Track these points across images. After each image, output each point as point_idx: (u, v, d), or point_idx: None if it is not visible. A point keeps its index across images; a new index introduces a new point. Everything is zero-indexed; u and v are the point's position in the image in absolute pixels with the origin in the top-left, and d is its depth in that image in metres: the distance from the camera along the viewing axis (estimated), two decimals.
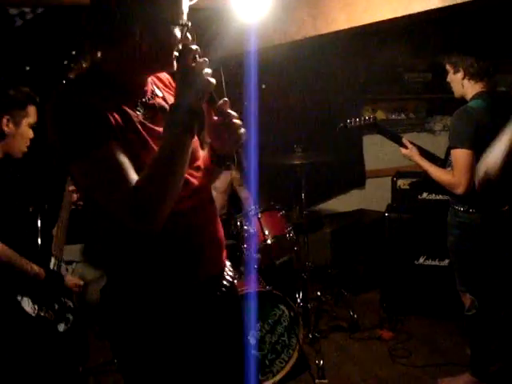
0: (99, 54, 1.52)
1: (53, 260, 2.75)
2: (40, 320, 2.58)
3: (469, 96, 2.97)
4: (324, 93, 4.97)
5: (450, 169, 2.95)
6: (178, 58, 1.49)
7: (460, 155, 2.79)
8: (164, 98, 1.64)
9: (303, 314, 3.70)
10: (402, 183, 4.18)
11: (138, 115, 1.51)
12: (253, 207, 3.50)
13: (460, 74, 2.95)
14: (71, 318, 2.76)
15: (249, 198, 3.91)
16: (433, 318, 4.01)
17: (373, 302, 4.31)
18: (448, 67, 3.04)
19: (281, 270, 3.74)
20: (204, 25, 3.45)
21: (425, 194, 4.08)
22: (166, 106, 1.58)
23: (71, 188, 2.88)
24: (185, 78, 1.46)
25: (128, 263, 1.58)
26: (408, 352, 3.62)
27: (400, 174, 4.27)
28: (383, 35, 4.61)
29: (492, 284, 3.02)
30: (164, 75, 1.73)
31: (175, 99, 1.48)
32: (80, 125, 1.36)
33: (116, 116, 1.42)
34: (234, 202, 4.05)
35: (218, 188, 3.82)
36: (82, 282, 2.88)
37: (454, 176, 2.83)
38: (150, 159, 1.42)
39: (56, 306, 2.68)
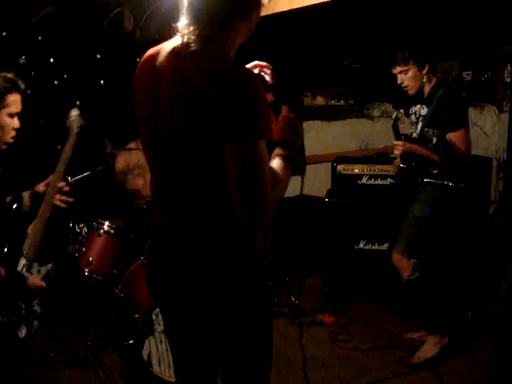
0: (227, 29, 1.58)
1: (23, 261, 2.51)
2: None
3: (431, 85, 3.11)
4: None
5: None
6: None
7: (466, 133, 3.04)
8: None
9: None
10: (342, 168, 4.19)
11: None
12: None
13: (425, 70, 3.07)
14: (36, 323, 2.52)
15: None
16: (373, 301, 4.06)
17: (314, 287, 4.31)
18: (410, 66, 3.06)
19: None
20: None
21: (364, 179, 4.12)
22: None
23: (60, 184, 2.67)
24: (292, 128, 1.73)
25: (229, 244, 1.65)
26: (349, 336, 3.65)
27: (340, 159, 4.28)
28: (324, 20, 4.59)
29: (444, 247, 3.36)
30: None
31: (290, 140, 1.71)
32: (265, 113, 1.50)
33: None
34: None
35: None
36: (43, 284, 2.54)
37: (463, 153, 3.02)
38: None
39: (21, 310, 2.45)
